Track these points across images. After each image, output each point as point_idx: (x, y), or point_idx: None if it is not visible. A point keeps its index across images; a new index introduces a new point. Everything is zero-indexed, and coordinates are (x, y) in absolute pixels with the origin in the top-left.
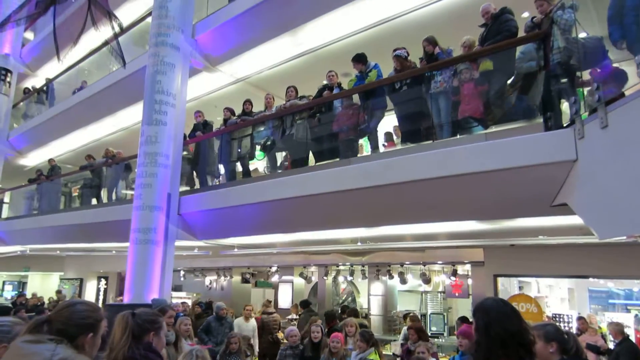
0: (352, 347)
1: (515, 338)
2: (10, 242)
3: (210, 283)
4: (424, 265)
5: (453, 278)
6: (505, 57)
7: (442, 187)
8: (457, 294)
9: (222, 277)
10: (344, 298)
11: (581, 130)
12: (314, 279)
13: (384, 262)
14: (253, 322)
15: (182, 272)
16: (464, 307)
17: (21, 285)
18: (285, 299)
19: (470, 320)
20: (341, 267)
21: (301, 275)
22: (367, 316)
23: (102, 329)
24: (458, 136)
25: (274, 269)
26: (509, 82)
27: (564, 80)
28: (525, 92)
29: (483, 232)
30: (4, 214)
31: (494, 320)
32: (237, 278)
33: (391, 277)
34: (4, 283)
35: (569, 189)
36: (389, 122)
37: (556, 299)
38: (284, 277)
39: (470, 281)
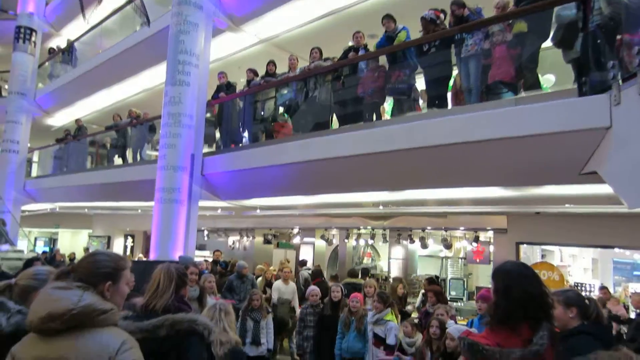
0: (370, 307)
1: (536, 300)
2: (40, 200)
3: (233, 243)
4: (446, 231)
5: (475, 244)
6: (541, 19)
7: (468, 153)
8: (478, 260)
9: (245, 238)
10: (363, 261)
11: (617, 96)
12: (335, 241)
13: (405, 227)
14: (293, 285)
15: (205, 232)
16: (485, 273)
17: (52, 241)
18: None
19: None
20: (362, 231)
21: (322, 237)
22: (387, 279)
23: (124, 278)
24: (487, 101)
25: (295, 230)
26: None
27: (603, 43)
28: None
29: (507, 199)
30: (34, 173)
31: (515, 283)
32: (259, 239)
33: (412, 241)
34: (35, 239)
35: (600, 156)
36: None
37: (579, 268)
38: (306, 239)
39: (492, 248)
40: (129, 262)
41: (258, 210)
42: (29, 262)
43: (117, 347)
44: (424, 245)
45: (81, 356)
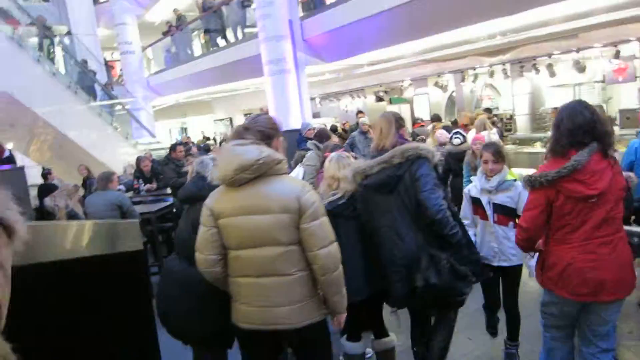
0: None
1: (583, 128)
2: (163, 93)
3: (346, 106)
4: (578, 52)
5: (615, 61)
6: None
7: None
8: (620, 79)
9: (356, 99)
10: (482, 104)
11: None
12: (450, 87)
13: (528, 57)
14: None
15: (317, 100)
16: (629, 94)
17: (184, 130)
18: (422, 113)
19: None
20: (478, 70)
21: (436, 85)
22: (511, 117)
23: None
24: None
25: (406, 82)
26: None
27: None
28: None
29: None
30: (152, 69)
31: (565, 115)
32: (370, 98)
33: (537, 71)
34: (170, 130)
35: None
36: None
37: None
38: (418, 90)
39: (637, 62)
40: None
41: (365, 67)
42: (173, 147)
43: (300, 189)
44: (552, 74)
45: (274, 199)
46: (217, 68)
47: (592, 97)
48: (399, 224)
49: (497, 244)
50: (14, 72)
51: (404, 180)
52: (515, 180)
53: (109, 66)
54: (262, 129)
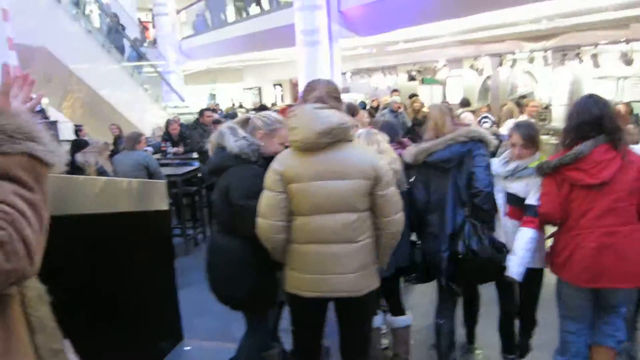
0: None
1: (591, 122)
2: (194, 57)
3: (377, 84)
4: (627, 44)
5: None
6: None
7: None
8: None
9: (387, 76)
10: (517, 91)
11: None
12: (486, 71)
13: (572, 45)
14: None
15: (348, 74)
16: None
17: (212, 96)
18: (454, 96)
19: None
20: (517, 55)
21: (472, 67)
22: (547, 107)
23: None
24: None
25: (441, 63)
26: None
27: None
28: None
29: None
30: (185, 33)
31: (575, 110)
32: (402, 76)
33: (580, 61)
34: (199, 96)
35: None
36: None
37: None
38: (452, 72)
39: None
40: None
41: (400, 44)
42: (201, 112)
43: (373, 155)
44: (596, 64)
45: (351, 165)
46: (249, 35)
47: (637, 93)
48: (449, 199)
49: (506, 239)
50: (52, 28)
51: (464, 159)
52: None
53: (143, 27)
54: (336, 95)
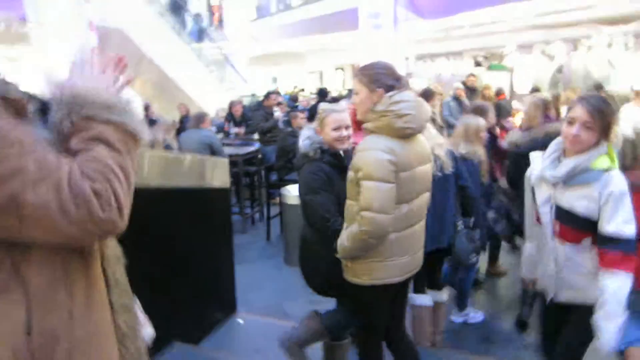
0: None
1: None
2: (258, 40)
3: (440, 69)
4: None
5: None
6: None
7: None
8: None
9: (452, 62)
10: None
11: None
12: (559, 58)
13: None
14: None
15: (412, 59)
16: None
17: (274, 80)
18: (522, 84)
19: None
20: (594, 41)
21: (543, 53)
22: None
23: None
24: None
25: (509, 49)
26: None
27: None
28: None
29: None
30: (250, 17)
31: None
32: (468, 62)
33: None
34: (261, 79)
35: None
36: None
37: None
38: (522, 58)
39: None
40: None
41: (467, 28)
42: (267, 95)
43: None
44: None
45: (428, 148)
46: (313, 19)
47: None
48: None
49: (557, 267)
50: (127, 10)
51: None
52: (607, 170)
53: (212, 11)
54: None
